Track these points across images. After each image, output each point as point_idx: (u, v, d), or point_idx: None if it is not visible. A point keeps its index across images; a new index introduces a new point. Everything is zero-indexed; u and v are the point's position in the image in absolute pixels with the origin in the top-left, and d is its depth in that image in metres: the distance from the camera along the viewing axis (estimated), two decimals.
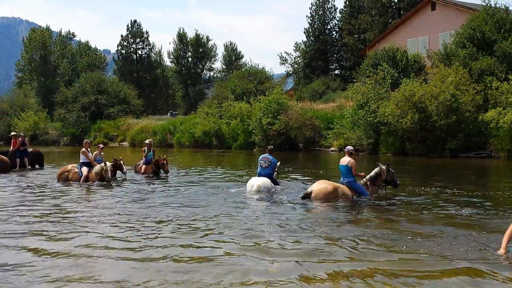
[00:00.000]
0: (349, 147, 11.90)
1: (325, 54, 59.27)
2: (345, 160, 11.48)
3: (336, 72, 59.73)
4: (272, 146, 14.25)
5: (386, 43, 36.63)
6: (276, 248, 7.00)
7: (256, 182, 12.33)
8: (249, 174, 16.21)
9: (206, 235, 7.89)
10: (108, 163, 15.24)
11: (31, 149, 21.67)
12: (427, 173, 19.08)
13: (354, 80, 35.11)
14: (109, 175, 14.99)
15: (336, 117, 33.28)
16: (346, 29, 55.15)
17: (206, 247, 7.16)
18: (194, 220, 9.10)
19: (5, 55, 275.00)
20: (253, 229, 8.30)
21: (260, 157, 13.38)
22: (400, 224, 8.61)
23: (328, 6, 59.91)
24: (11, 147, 20.76)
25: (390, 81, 29.42)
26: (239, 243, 7.31)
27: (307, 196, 11.12)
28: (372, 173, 11.74)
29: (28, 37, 71.28)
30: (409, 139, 27.33)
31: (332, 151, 31.88)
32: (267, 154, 13.32)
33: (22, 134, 21.76)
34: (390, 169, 11.88)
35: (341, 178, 11.60)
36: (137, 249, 7.05)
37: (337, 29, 59.69)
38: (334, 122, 32.56)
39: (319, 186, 11.26)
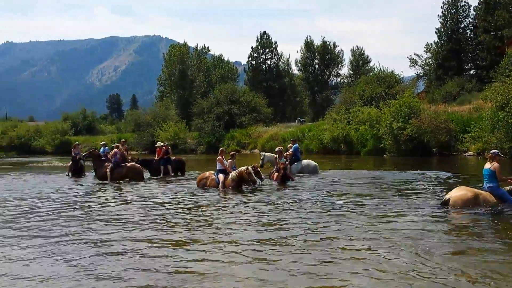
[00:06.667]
0: (494, 151, 11.23)
1: (459, 54, 56.62)
2: (489, 164, 10.93)
3: (472, 72, 57.08)
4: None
5: None
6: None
7: None
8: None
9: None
10: (249, 167, 15.70)
11: (174, 157, 23.23)
12: None
13: (492, 80, 33.20)
14: (254, 177, 15.48)
15: (473, 120, 31.74)
16: (481, 26, 52.23)
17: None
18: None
19: (148, 71, 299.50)
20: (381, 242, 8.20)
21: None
22: None
23: (461, 4, 57.62)
24: (156, 156, 22.60)
25: None
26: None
27: (445, 203, 10.74)
28: None
29: (168, 53, 77.20)
30: None
31: (469, 155, 30.39)
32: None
33: (165, 144, 23.77)
34: None
35: (484, 184, 11.07)
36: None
37: (472, 27, 56.87)
38: (471, 125, 31.04)
39: (458, 192, 10.77)
